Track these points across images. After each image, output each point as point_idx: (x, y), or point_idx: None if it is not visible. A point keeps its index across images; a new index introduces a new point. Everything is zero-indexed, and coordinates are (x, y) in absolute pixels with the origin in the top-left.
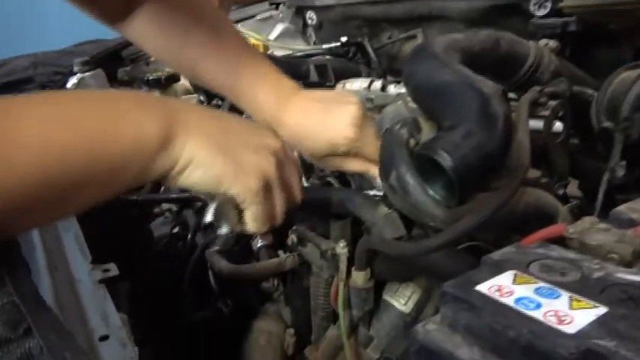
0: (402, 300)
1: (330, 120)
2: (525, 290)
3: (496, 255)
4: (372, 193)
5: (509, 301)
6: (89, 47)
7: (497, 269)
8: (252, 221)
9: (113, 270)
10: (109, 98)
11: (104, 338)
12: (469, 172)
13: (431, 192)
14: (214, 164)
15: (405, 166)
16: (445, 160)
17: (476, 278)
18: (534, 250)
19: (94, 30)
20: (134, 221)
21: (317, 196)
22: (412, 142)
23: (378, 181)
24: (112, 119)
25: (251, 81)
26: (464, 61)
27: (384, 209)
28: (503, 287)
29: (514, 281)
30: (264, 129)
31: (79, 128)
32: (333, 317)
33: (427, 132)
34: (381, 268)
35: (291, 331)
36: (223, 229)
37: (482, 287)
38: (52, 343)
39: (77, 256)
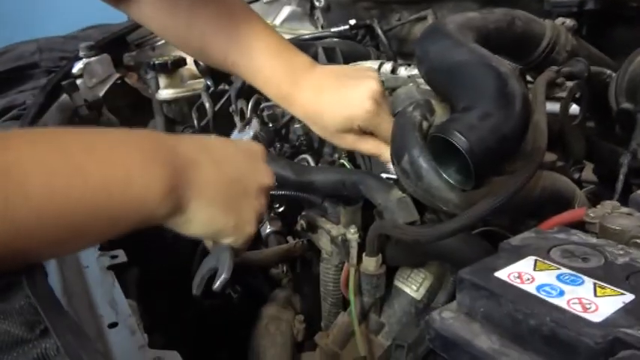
0: (413, 286)
1: (348, 93)
2: (547, 277)
3: (515, 240)
4: (384, 176)
5: (530, 288)
6: (94, 32)
7: (517, 255)
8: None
9: (121, 256)
10: (117, 145)
11: (113, 325)
12: (485, 154)
13: (445, 175)
14: (216, 221)
15: (418, 149)
16: (461, 141)
17: (494, 264)
18: (554, 235)
19: (98, 15)
20: None
21: (329, 177)
22: (425, 124)
23: (390, 165)
24: (119, 174)
25: (264, 58)
26: (478, 41)
27: (397, 193)
28: (524, 274)
29: (535, 267)
30: (256, 158)
31: (84, 181)
32: (343, 304)
33: (440, 114)
34: (392, 253)
35: (301, 317)
36: (223, 276)
37: (502, 274)
38: (68, 343)
39: None
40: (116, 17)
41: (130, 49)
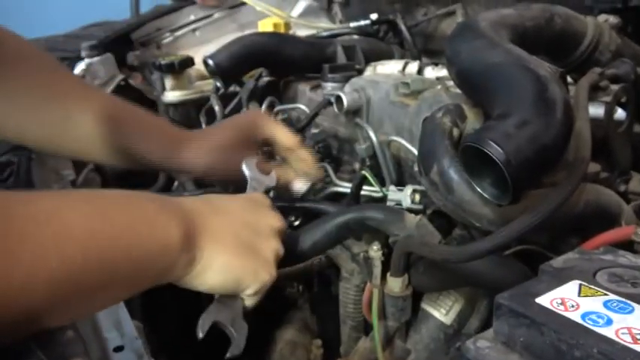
0: (442, 309)
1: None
2: (593, 303)
3: (557, 262)
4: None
5: (574, 316)
6: (96, 30)
7: (559, 279)
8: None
9: None
10: (136, 199)
11: (119, 349)
12: (523, 166)
13: (478, 189)
14: (234, 266)
15: (449, 159)
16: (496, 152)
17: (535, 289)
18: (600, 257)
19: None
20: None
21: (326, 230)
22: (456, 132)
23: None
24: (143, 220)
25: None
26: (514, 40)
27: (411, 218)
28: (568, 300)
29: (580, 293)
30: (261, 205)
31: (116, 226)
32: (365, 327)
33: (472, 121)
34: (419, 274)
35: (319, 342)
36: (240, 347)
37: (543, 300)
38: None
39: None
40: (119, 13)
41: (135, 48)
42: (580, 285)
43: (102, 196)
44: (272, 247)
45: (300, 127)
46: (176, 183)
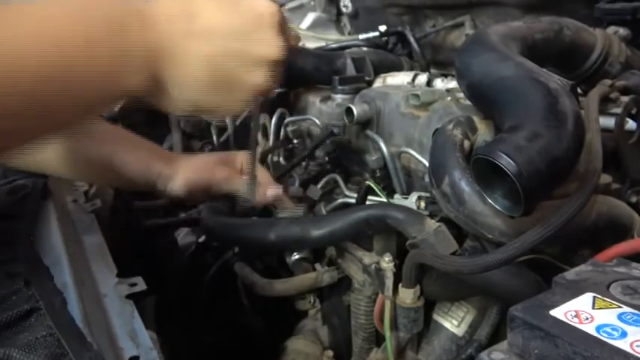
0: (454, 321)
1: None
2: (607, 316)
3: (570, 274)
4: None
5: (589, 328)
6: None
7: (573, 291)
8: None
9: (140, 284)
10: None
11: (134, 359)
12: (535, 178)
13: (490, 200)
14: (200, 102)
15: (460, 170)
16: (508, 164)
17: (549, 301)
18: (614, 269)
19: None
20: (157, 229)
21: (348, 220)
22: (466, 144)
23: (427, 180)
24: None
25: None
26: (523, 52)
27: (431, 223)
28: (582, 312)
29: (594, 305)
30: (261, 24)
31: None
32: (376, 338)
33: (483, 132)
34: (430, 288)
35: (330, 353)
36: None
37: (557, 312)
38: None
39: (102, 270)
40: None
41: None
42: (594, 297)
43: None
44: (254, 80)
45: (303, 156)
46: None
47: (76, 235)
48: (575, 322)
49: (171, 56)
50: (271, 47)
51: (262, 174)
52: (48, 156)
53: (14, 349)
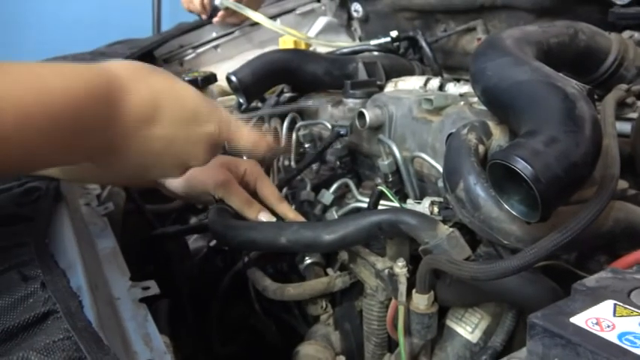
0: (468, 327)
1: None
2: (629, 324)
3: (589, 281)
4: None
5: (611, 336)
6: (121, 47)
7: (593, 298)
8: None
9: (153, 288)
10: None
11: None
12: (553, 183)
13: (506, 206)
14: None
15: (475, 175)
16: (525, 169)
17: (569, 309)
18: (634, 276)
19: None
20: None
21: (360, 224)
22: (481, 148)
23: (440, 184)
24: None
25: None
26: (538, 56)
27: (443, 228)
28: (603, 320)
29: (615, 313)
30: (206, 114)
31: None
32: (389, 344)
33: (498, 137)
34: (444, 290)
35: (342, 358)
36: None
37: (578, 319)
38: None
39: (115, 273)
40: (140, 31)
41: (158, 64)
42: (615, 305)
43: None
44: (199, 157)
45: (311, 160)
46: None
47: (89, 239)
48: (596, 330)
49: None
50: (209, 128)
51: (269, 190)
52: None
53: (32, 352)
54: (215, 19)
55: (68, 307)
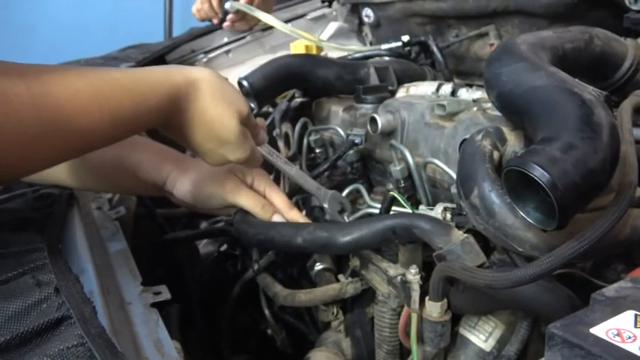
0: (482, 335)
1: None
2: None
3: (609, 291)
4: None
5: (632, 348)
6: (133, 52)
7: (614, 309)
8: None
9: (164, 293)
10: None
11: None
12: (570, 190)
13: (522, 213)
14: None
15: (490, 182)
16: (543, 176)
17: (589, 319)
18: None
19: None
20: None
21: (374, 228)
22: (496, 154)
23: (453, 190)
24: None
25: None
26: (553, 62)
27: (458, 234)
28: (624, 331)
29: (636, 324)
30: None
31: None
32: (400, 352)
33: (513, 143)
34: (457, 297)
35: None
36: None
37: (598, 330)
38: None
39: (127, 277)
40: (152, 36)
41: None
42: (636, 315)
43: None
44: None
45: (323, 169)
46: None
47: (101, 243)
48: (617, 341)
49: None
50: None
51: (279, 197)
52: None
53: (46, 358)
54: (225, 24)
55: (82, 313)
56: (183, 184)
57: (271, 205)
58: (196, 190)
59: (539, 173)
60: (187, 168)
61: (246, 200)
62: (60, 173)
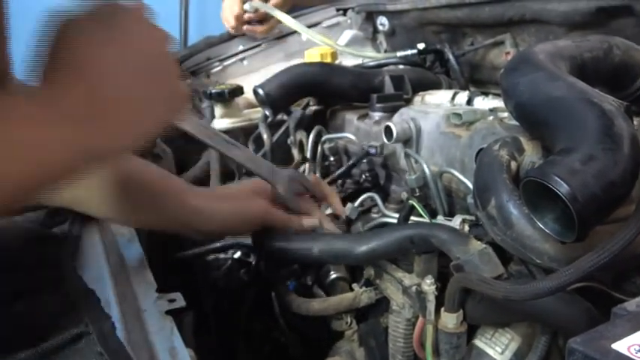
0: (498, 348)
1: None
2: None
3: (631, 305)
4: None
5: None
6: None
7: (635, 323)
8: None
9: (179, 300)
10: None
11: None
12: (590, 202)
13: (540, 224)
14: None
15: (507, 192)
16: (562, 188)
17: (610, 334)
18: None
19: None
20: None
21: (392, 238)
22: (513, 165)
23: (469, 200)
24: None
25: None
26: (572, 72)
27: (476, 244)
28: None
29: None
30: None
31: None
32: None
33: (530, 154)
34: (473, 308)
35: None
36: None
37: (620, 346)
38: None
39: (142, 284)
40: None
41: (184, 77)
42: None
43: None
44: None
45: (337, 175)
46: None
47: (116, 250)
48: (639, 357)
49: None
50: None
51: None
52: (81, 194)
53: None
54: (245, 27)
55: (101, 329)
56: (211, 219)
57: (296, 216)
58: (225, 221)
59: (559, 185)
60: (211, 200)
61: (275, 219)
62: (87, 200)
